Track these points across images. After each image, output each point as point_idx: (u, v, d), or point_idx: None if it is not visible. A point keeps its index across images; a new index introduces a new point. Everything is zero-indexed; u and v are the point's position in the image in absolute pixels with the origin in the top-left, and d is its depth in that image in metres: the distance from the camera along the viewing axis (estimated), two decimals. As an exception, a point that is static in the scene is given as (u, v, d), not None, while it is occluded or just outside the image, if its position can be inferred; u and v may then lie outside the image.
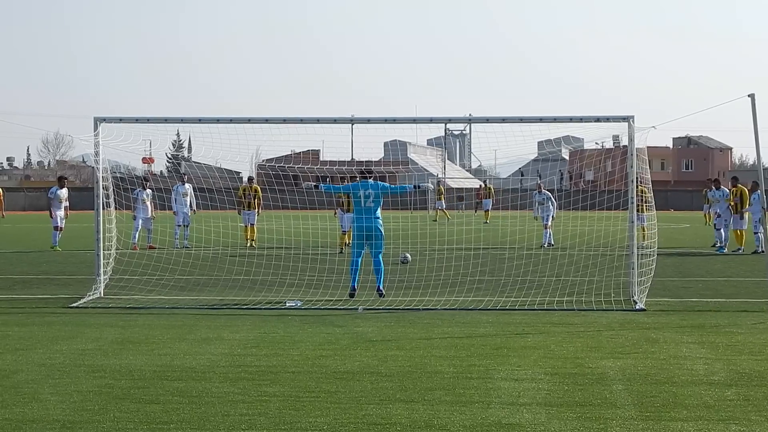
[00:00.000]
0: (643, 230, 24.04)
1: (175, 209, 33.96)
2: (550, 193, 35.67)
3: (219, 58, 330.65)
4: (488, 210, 55.89)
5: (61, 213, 32.76)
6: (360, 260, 18.58)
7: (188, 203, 34.00)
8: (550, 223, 34.63)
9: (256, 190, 34.37)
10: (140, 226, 32.63)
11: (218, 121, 19.12)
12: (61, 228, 32.69)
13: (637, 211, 18.98)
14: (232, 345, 13.14)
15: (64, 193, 33.23)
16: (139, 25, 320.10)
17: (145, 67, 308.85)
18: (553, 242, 33.87)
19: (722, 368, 11.49)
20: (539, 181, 42.40)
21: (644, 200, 21.26)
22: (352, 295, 18.34)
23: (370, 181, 18.71)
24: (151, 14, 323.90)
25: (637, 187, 18.92)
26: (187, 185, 34.38)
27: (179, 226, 33.68)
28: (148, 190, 33.23)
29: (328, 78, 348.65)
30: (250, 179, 35.86)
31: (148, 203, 32.93)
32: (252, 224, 33.97)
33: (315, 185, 19.30)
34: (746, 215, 31.18)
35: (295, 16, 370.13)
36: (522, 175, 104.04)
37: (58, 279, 22.59)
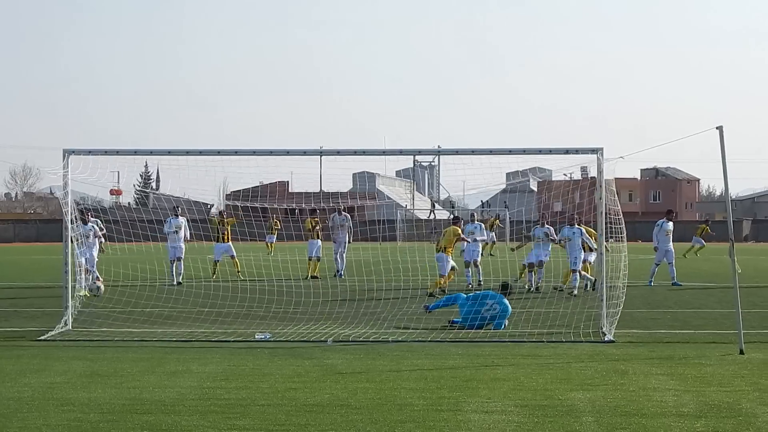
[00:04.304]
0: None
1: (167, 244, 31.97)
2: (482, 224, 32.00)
3: (187, 90, 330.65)
4: (494, 242, 55.07)
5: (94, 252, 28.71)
6: None
7: (181, 237, 31.90)
8: (479, 259, 30.41)
9: (229, 223, 33.82)
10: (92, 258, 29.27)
11: (188, 153, 19.04)
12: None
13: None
14: (201, 378, 13.09)
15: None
16: (106, 57, 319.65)
17: (112, 99, 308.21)
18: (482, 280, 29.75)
19: (691, 400, 11.53)
20: (473, 210, 40.63)
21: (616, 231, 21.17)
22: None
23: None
24: (119, 47, 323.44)
25: (616, 222, 19.17)
26: (180, 218, 32.33)
27: (172, 261, 31.50)
28: (90, 225, 28.39)
29: (298, 109, 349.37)
30: (221, 213, 35.42)
31: (92, 237, 28.34)
32: (233, 256, 33.19)
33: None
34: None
35: (267, 48, 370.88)
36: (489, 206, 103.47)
37: (26, 312, 22.41)
